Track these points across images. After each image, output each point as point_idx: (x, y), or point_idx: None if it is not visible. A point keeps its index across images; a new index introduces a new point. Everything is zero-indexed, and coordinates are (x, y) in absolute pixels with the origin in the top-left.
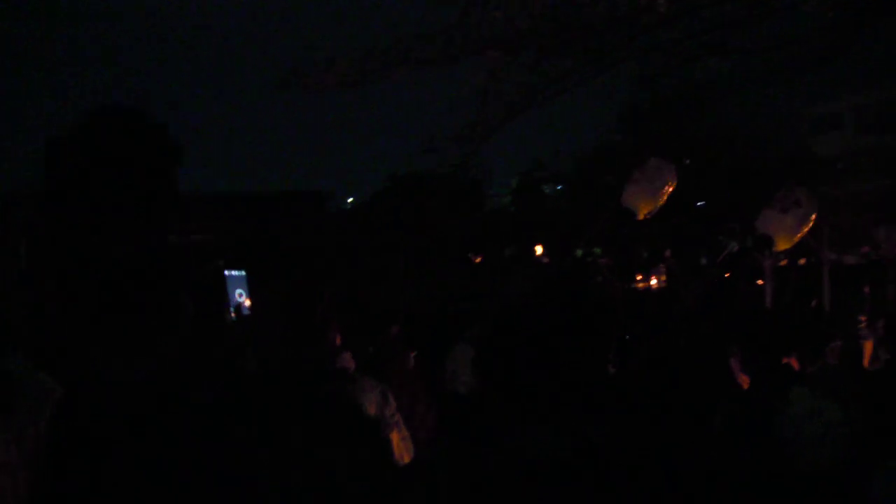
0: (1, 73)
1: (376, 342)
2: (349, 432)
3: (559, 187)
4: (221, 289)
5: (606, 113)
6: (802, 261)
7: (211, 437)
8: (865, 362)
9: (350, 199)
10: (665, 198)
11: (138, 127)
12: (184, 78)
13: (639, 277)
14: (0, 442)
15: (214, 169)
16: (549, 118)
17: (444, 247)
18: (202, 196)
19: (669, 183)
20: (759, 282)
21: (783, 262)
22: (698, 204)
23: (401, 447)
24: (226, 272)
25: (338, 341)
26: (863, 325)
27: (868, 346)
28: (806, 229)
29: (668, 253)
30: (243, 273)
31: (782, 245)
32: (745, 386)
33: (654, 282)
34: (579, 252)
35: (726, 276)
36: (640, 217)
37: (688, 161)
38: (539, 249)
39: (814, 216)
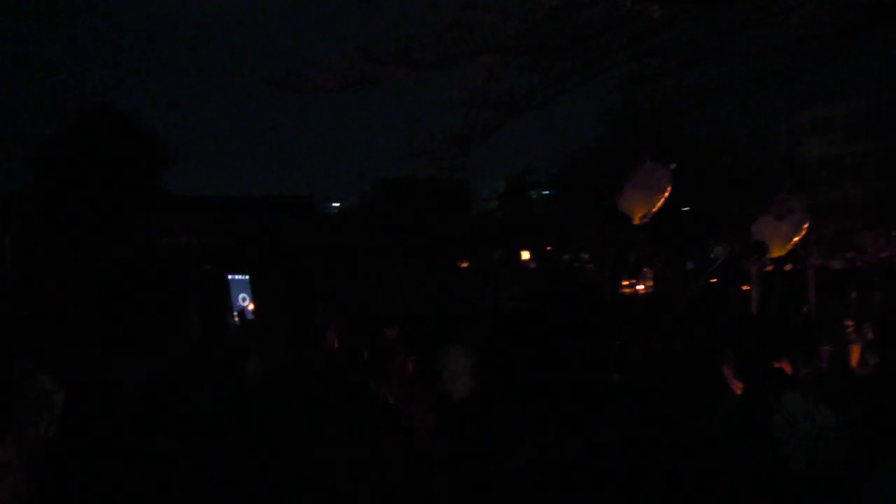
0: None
1: (373, 344)
2: (350, 433)
3: (545, 192)
4: (224, 292)
5: (594, 117)
6: (788, 266)
7: (210, 437)
8: (853, 366)
9: (336, 204)
10: (661, 202)
11: (126, 130)
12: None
13: (625, 283)
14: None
15: (198, 174)
16: (537, 122)
17: (434, 250)
18: (189, 200)
19: (666, 187)
20: (745, 287)
21: (769, 268)
22: (684, 209)
23: None
24: (229, 276)
25: (335, 343)
26: (850, 329)
27: (855, 351)
28: (799, 237)
29: (655, 258)
30: (247, 278)
31: (776, 252)
32: (739, 392)
33: (640, 287)
34: (565, 257)
35: (713, 281)
36: (636, 222)
37: (674, 165)
38: (526, 254)
39: (807, 224)
